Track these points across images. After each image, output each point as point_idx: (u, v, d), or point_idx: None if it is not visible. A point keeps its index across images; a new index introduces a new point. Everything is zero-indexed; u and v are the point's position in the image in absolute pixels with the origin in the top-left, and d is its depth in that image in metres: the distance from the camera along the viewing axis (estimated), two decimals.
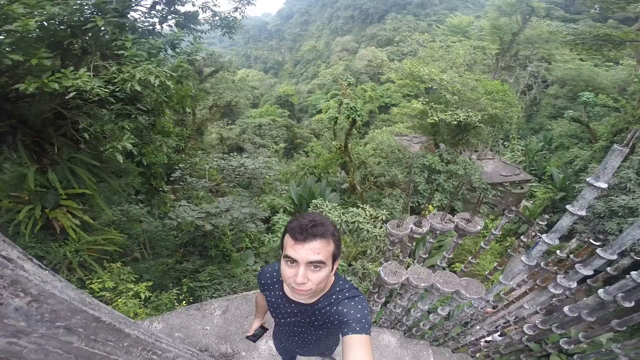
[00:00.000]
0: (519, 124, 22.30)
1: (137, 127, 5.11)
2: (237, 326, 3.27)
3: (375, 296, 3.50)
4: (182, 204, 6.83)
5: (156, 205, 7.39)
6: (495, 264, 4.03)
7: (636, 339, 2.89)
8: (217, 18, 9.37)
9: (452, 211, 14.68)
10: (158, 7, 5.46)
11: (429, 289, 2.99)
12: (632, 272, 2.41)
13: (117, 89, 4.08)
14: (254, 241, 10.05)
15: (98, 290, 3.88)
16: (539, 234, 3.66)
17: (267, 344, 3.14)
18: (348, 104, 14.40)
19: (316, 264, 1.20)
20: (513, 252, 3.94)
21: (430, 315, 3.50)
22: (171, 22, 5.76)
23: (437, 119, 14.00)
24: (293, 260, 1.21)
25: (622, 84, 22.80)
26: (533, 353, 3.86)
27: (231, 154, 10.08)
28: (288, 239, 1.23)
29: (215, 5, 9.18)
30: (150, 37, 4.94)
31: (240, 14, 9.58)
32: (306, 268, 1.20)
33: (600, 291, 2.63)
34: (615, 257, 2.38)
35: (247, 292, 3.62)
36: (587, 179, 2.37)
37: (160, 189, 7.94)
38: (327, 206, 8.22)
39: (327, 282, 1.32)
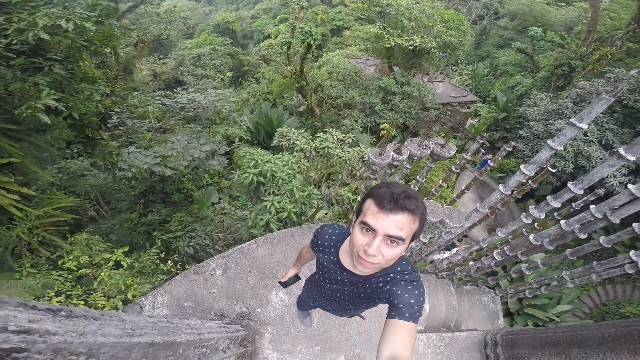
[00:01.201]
0: (468, 50, 22.83)
1: (55, 80, 4.34)
2: (243, 283, 3.20)
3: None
4: (131, 150, 6.13)
5: (100, 156, 6.59)
6: (464, 188, 4.28)
7: (582, 268, 3.37)
8: None
9: (406, 129, 15.38)
10: None
11: None
12: (591, 207, 2.64)
13: (13, 41, 3.47)
14: (214, 176, 9.67)
15: (75, 268, 3.49)
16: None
17: (277, 296, 3.15)
18: (302, 28, 13.78)
19: (394, 239, 1.07)
20: (480, 175, 4.19)
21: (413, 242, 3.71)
22: None
23: (393, 43, 13.97)
24: (371, 229, 1.07)
25: (570, 23, 23.77)
26: (497, 277, 4.40)
27: (174, 89, 9.06)
28: (371, 205, 1.09)
29: None
30: None
31: None
32: (382, 241, 1.08)
33: (562, 222, 2.90)
34: (582, 192, 2.58)
35: (242, 245, 3.49)
36: (570, 120, 2.43)
37: (99, 137, 7.06)
38: (293, 133, 7.91)
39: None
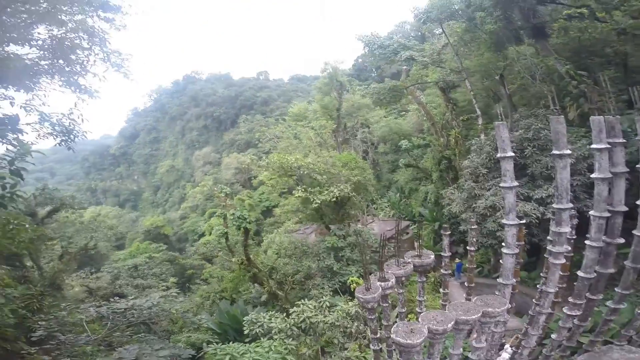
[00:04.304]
0: (374, 184, 26.91)
1: None
2: None
3: None
4: None
5: None
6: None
7: None
8: (47, 124, 6.89)
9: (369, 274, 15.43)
10: None
11: (455, 327, 2.82)
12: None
13: None
14: None
15: None
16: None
17: None
18: (234, 214, 14.41)
19: None
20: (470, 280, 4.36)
21: (470, 354, 3.29)
22: None
23: (319, 201, 15.45)
24: None
25: (417, 125, 30.90)
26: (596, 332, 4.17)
27: (110, 299, 8.47)
28: None
29: (43, 104, 6.83)
30: None
31: (79, 117, 7.48)
32: None
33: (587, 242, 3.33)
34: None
35: None
36: (498, 155, 3.08)
37: (23, 351, 6.11)
38: (264, 317, 7.48)
39: None
